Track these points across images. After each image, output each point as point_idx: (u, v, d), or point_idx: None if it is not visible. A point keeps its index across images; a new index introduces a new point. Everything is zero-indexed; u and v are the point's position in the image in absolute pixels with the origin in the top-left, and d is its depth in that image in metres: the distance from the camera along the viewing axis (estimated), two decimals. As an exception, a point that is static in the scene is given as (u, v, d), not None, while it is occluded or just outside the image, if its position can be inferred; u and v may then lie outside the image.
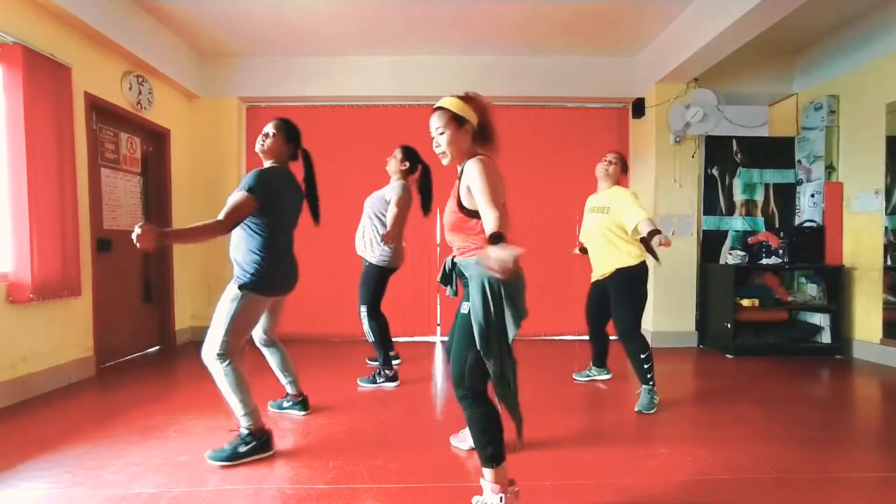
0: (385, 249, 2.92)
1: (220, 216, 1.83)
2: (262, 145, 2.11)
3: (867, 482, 1.78)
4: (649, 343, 2.61)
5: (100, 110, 3.37)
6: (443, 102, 1.54)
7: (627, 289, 2.59)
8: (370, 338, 2.97)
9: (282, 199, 2.04)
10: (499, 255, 1.17)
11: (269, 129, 2.12)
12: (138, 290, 3.85)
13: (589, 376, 3.09)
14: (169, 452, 1.99)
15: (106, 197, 3.47)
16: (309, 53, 4.30)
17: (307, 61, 4.35)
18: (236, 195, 1.89)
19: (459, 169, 1.58)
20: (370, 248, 2.95)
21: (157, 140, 4.05)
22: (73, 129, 2.96)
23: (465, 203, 1.51)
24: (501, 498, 1.47)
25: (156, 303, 4.01)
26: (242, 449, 1.92)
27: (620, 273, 2.60)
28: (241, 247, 1.99)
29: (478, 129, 1.55)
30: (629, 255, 2.58)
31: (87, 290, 3.15)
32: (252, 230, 1.98)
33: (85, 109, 3.17)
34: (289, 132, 2.16)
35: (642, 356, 2.52)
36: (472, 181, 1.44)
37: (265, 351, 2.42)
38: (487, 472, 1.50)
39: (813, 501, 1.63)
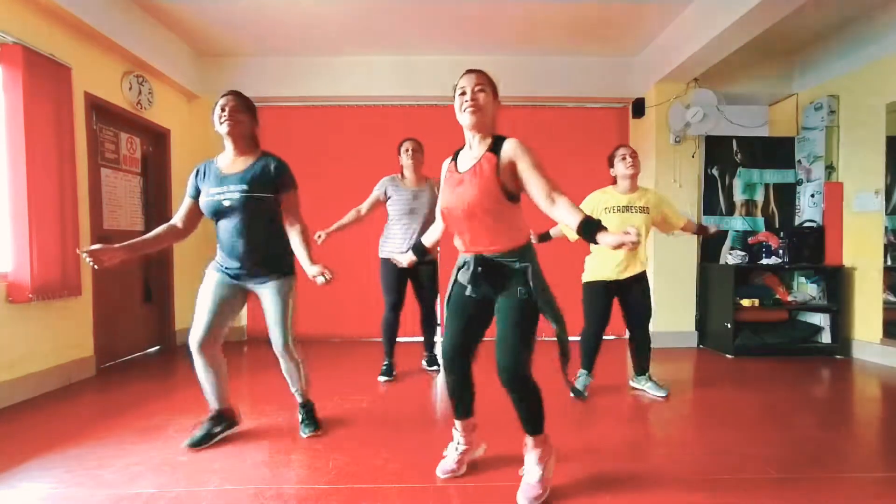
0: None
1: (299, 218, 2.04)
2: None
3: (867, 482, 1.78)
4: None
5: (100, 110, 3.36)
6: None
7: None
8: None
9: None
10: (614, 239, 1.24)
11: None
12: (138, 290, 3.85)
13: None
14: (169, 452, 1.99)
15: (106, 197, 3.47)
16: (309, 53, 4.30)
17: (307, 61, 4.35)
18: (296, 196, 2.07)
19: (477, 148, 1.48)
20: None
21: (157, 140, 4.05)
22: (73, 129, 2.96)
23: (510, 187, 1.39)
24: (543, 466, 1.61)
25: (156, 303, 4.01)
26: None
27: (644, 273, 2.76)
28: (274, 239, 2.05)
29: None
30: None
31: (87, 290, 3.15)
32: (278, 220, 2.07)
33: (85, 109, 3.17)
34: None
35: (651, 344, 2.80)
36: (526, 159, 1.38)
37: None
38: (537, 440, 1.60)
39: (813, 501, 1.63)
